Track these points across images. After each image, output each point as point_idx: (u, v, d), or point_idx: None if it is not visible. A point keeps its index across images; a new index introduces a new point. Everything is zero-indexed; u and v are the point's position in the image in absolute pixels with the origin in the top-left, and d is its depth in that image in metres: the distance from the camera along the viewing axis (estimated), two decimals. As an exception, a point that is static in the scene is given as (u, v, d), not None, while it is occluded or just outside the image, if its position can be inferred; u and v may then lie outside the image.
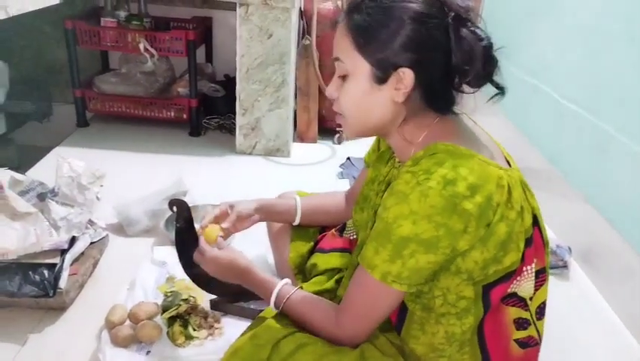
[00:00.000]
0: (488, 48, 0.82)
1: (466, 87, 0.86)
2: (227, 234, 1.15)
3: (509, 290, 0.85)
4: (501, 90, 0.86)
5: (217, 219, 1.15)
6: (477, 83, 0.84)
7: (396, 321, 0.91)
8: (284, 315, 0.95)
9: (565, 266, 1.67)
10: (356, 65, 0.84)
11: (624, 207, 1.53)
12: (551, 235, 1.88)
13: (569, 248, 1.71)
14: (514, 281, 0.85)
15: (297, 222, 1.25)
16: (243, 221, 1.18)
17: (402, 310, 0.90)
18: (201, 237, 1.11)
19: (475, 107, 0.92)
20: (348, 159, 2.35)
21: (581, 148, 1.78)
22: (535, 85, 2.14)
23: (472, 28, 0.82)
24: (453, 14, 0.81)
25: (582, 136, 1.77)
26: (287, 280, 0.99)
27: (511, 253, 0.82)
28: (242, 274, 1.03)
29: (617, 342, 1.44)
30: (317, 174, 2.27)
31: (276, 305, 0.96)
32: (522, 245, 0.83)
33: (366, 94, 0.85)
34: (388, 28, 0.81)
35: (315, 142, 2.62)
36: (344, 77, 0.87)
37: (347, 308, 0.87)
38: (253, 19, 2.18)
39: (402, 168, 0.85)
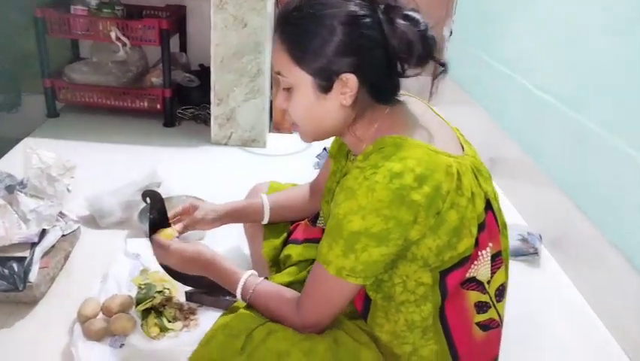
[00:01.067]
0: (424, 31, 0.83)
1: (408, 70, 0.87)
2: (183, 232, 1.15)
3: (467, 275, 0.87)
4: (443, 66, 0.87)
5: (180, 215, 1.16)
6: (419, 65, 0.85)
7: (362, 310, 0.93)
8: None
9: (536, 253, 1.71)
10: (298, 78, 0.86)
11: (597, 196, 1.56)
12: (522, 222, 1.91)
13: (540, 236, 1.74)
14: (472, 266, 0.87)
15: (265, 221, 1.25)
16: (200, 225, 1.18)
17: (366, 299, 0.91)
18: (158, 235, 1.10)
19: (435, 91, 0.93)
20: (325, 149, 2.35)
21: (557, 139, 1.81)
22: (510, 76, 2.16)
23: (405, 13, 0.83)
24: (383, 6, 0.82)
25: (557, 127, 1.80)
26: (252, 272, 0.99)
27: (464, 239, 0.84)
28: (207, 266, 1.03)
29: (587, 328, 1.47)
30: (293, 164, 2.27)
31: (243, 297, 0.96)
32: (475, 230, 0.85)
33: (313, 104, 0.87)
34: (321, 37, 0.82)
35: (292, 132, 2.61)
36: (288, 90, 0.88)
37: (307, 299, 0.89)
38: (228, 7, 2.15)
39: (354, 162, 0.87)
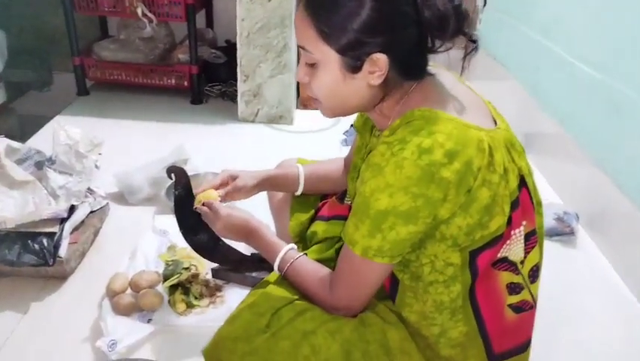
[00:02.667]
0: (459, 5, 0.77)
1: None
2: (224, 201, 1.13)
3: (499, 255, 0.83)
4: (475, 42, 0.81)
5: (216, 188, 1.14)
6: (451, 40, 0.80)
7: (390, 290, 0.90)
8: (284, 282, 0.95)
9: (572, 233, 1.64)
10: (324, 55, 0.80)
11: (637, 172, 1.49)
12: (558, 200, 1.84)
13: (577, 215, 1.67)
14: (504, 245, 0.83)
15: (299, 192, 1.23)
16: (241, 193, 1.16)
17: (394, 279, 0.88)
18: (203, 195, 1.10)
19: (467, 66, 0.87)
20: (352, 125, 2.30)
21: (593, 110, 1.72)
22: (546, 45, 2.07)
23: None
24: None
25: (595, 97, 1.71)
26: (293, 246, 0.98)
27: (496, 217, 0.80)
28: (251, 234, 1.02)
29: (624, 309, 1.42)
30: (320, 141, 2.23)
31: (280, 269, 0.96)
32: (507, 208, 0.81)
33: (339, 83, 0.82)
34: (352, 13, 0.76)
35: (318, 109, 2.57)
36: (312, 65, 0.83)
37: (339, 281, 0.87)
38: (253, -19, 2.11)
39: (380, 138, 0.82)
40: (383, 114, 0.87)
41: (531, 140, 2.03)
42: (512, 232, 0.83)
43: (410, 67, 0.83)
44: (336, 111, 0.89)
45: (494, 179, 0.78)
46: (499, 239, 0.82)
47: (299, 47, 0.84)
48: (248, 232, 1.03)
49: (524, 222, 0.84)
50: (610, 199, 1.59)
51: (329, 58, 0.80)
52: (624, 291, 1.47)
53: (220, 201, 1.10)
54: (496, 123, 0.86)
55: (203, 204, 1.08)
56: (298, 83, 2.49)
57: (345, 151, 1.26)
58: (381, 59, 0.78)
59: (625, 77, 1.55)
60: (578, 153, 1.78)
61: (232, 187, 1.14)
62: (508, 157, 0.82)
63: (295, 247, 0.99)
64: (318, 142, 2.23)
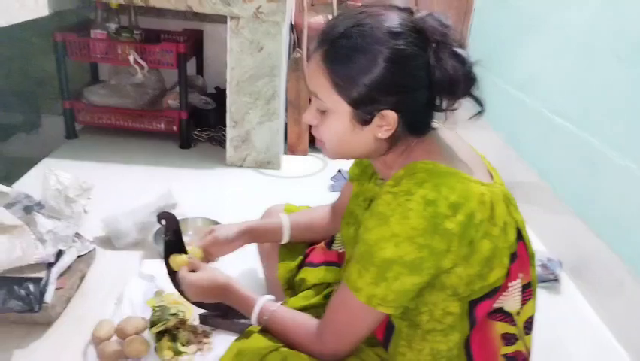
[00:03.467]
0: (470, 70, 0.81)
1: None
2: (207, 259, 1.15)
3: (495, 305, 0.85)
4: (480, 104, 0.84)
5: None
6: (457, 101, 0.83)
7: (383, 338, 0.91)
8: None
9: (556, 279, 1.67)
10: (335, 105, 0.82)
11: (614, 221, 1.54)
12: (542, 248, 1.88)
13: (560, 262, 1.71)
14: (500, 297, 0.84)
15: (285, 240, 1.24)
16: (222, 247, 1.17)
17: (388, 327, 0.89)
18: (173, 261, 1.11)
19: (456, 119, 0.91)
20: (339, 171, 2.35)
21: (570, 162, 1.79)
22: (523, 99, 2.16)
23: (454, 51, 0.80)
24: (435, 45, 0.79)
25: (571, 150, 1.79)
26: (269, 297, 0.99)
27: (495, 270, 0.81)
28: (223, 292, 1.03)
29: (608, 356, 1.43)
30: (308, 186, 2.27)
31: (259, 321, 0.96)
32: (507, 261, 0.82)
33: (347, 132, 0.84)
34: (367, 71, 0.78)
35: (306, 155, 2.61)
36: (323, 111, 0.85)
37: (329, 325, 0.87)
38: (244, 32, 2.18)
39: (383, 187, 0.84)
40: (386, 164, 0.89)
41: (512, 188, 2.07)
42: (509, 284, 0.84)
43: (417, 124, 0.85)
44: (339, 155, 0.90)
45: (495, 232, 0.80)
46: (497, 290, 0.83)
47: (311, 93, 0.86)
48: (219, 292, 1.03)
49: (521, 275, 0.86)
50: (591, 247, 1.63)
51: (340, 108, 0.82)
52: (608, 336, 1.49)
53: (204, 261, 1.12)
54: (492, 177, 0.89)
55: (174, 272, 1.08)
56: (286, 130, 2.54)
57: (332, 196, 1.28)
58: (390, 116, 0.80)
59: (598, 132, 1.63)
60: (558, 203, 1.83)
61: (212, 239, 1.15)
62: (507, 210, 0.84)
63: (273, 297, 0.99)
64: (305, 187, 2.26)
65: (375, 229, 0.78)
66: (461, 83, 0.80)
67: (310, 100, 0.88)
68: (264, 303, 0.96)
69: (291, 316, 0.94)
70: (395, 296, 0.79)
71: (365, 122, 0.82)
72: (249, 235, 1.21)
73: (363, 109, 0.81)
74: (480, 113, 0.84)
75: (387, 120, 0.81)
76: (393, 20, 0.79)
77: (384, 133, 0.83)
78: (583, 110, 1.74)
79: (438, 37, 0.79)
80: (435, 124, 0.89)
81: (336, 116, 0.83)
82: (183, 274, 1.06)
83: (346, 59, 0.79)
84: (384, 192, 0.81)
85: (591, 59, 1.73)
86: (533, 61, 2.16)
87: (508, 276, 0.84)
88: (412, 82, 0.80)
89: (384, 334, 0.90)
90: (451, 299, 0.82)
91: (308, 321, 0.92)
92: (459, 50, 0.80)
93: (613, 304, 1.53)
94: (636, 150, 1.46)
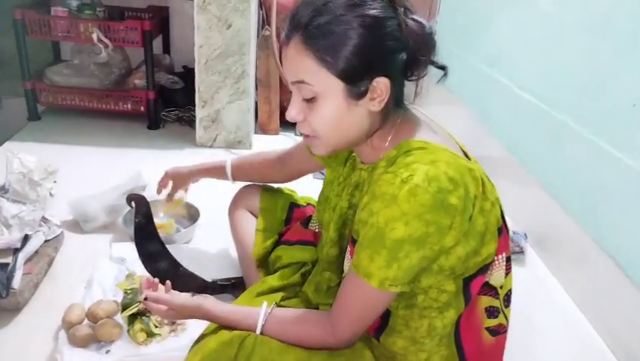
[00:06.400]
0: (432, 34, 0.82)
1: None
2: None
3: (484, 280, 0.87)
4: (443, 69, 0.85)
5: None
6: (423, 69, 0.84)
7: (378, 325, 0.91)
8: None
9: (521, 252, 1.72)
10: (327, 85, 0.79)
11: (579, 194, 1.58)
12: (508, 221, 1.92)
13: (525, 234, 1.75)
14: (489, 271, 0.87)
15: (230, 179, 1.36)
16: (183, 177, 1.44)
17: (384, 314, 0.89)
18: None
19: (420, 92, 0.92)
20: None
21: (537, 137, 1.83)
22: (493, 75, 2.18)
23: (416, 17, 0.81)
24: (402, 9, 0.80)
25: (538, 125, 1.82)
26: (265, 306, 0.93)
27: (487, 245, 0.83)
28: (201, 305, 0.95)
29: (573, 327, 1.48)
30: (279, 166, 2.26)
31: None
32: (497, 235, 0.84)
33: (342, 112, 0.81)
34: (349, 40, 0.77)
35: (277, 134, 2.60)
36: (310, 100, 0.82)
37: (343, 315, 0.85)
38: (211, 8, 2.13)
39: (376, 169, 0.84)
40: (373, 146, 0.88)
41: (481, 162, 2.11)
42: (496, 258, 0.86)
43: (401, 94, 0.86)
44: (335, 145, 0.87)
45: (487, 207, 0.82)
46: (489, 265, 0.85)
47: (296, 82, 0.82)
48: (196, 307, 0.95)
49: (504, 249, 0.89)
50: (556, 220, 1.68)
51: (331, 87, 0.80)
52: (572, 307, 1.55)
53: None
54: (467, 157, 0.89)
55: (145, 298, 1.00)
56: (256, 108, 2.52)
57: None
58: (382, 82, 0.79)
59: (564, 107, 1.66)
60: (525, 176, 1.87)
61: (174, 171, 1.43)
62: (492, 186, 0.86)
63: (265, 303, 0.94)
64: (276, 167, 2.25)
65: (383, 210, 0.76)
66: (429, 46, 0.82)
67: (290, 93, 0.85)
68: (264, 309, 0.92)
69: (292, 314, 0.92)
70: (404, 274, 0.79)
71: (359, 95, 0.80)
72: (203, 171, 1.43)
73: (356, 81, 0.79)
74: (444, 76, 0.86)
75: (380, 88, 0.80)
76: None
77: (377, 105, 0.82)
78: (551, 85, 1.77)
79: (403, 3, 0.81)
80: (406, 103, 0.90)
81: (329, 98, 0.81)
82: (157, 295, 0.98)
83: (327, 32, 0.78)
84: (382, 173, 0.80)
85: (561, 34, 1.75)
86: (503, 37, 2.18)
87: (497, 250, 0.86)
88: (393, 43, 0.80)
89: (380, 321, 0.90)
90: (446, 279, 0.83)
91: (313, 316, 0.90)
92: (418, 17, 0.82)
93: (577, 275, 1.58)
94: (602, 124, 1.49)
